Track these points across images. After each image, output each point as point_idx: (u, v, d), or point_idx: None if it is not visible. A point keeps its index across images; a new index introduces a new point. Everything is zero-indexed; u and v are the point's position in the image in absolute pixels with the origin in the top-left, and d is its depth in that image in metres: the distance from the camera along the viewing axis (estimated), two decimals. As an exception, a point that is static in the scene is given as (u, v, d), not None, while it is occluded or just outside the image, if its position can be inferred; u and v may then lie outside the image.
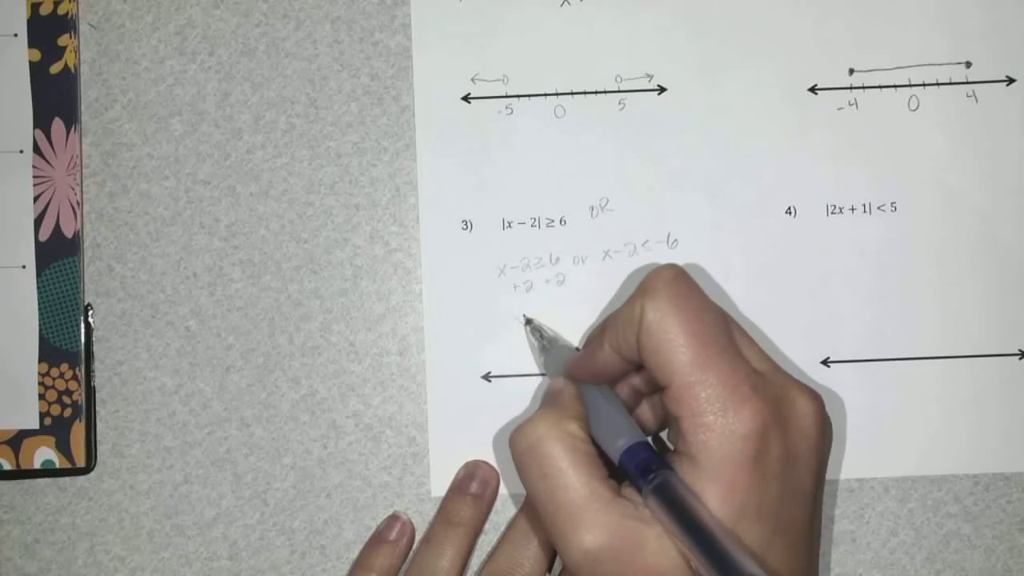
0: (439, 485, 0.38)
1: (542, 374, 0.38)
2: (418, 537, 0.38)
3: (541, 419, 0.31)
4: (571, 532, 0.29)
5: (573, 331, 0.38)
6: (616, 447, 0.31)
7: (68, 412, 0.38)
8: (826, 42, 0.39)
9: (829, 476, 0.38)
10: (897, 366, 0.38)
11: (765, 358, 0.31)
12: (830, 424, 0.32)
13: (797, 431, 0.29)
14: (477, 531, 0.38)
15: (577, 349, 0.37)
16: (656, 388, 0.33)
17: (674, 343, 0.29)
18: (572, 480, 0.29)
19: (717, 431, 0.28)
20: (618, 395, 0.34)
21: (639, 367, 0.32)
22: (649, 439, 0.31)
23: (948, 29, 0.39)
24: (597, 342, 0.32)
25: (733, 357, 0.29)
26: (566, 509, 0.29)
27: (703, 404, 0.28)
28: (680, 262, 0.38)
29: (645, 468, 0.29)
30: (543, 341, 0.37)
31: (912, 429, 0.38)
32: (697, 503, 0.28)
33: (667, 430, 0.32)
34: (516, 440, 0.31)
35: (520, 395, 0.38)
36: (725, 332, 0.30)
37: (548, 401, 0.33)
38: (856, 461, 0.38)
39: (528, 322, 0.38)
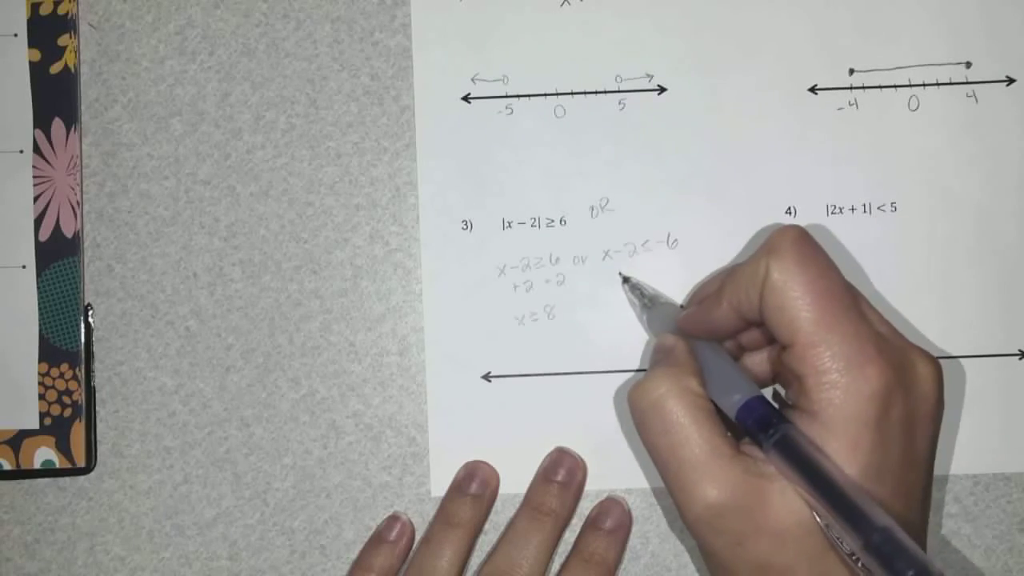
0: (439, 485, 0.38)
1: (544, 374, 0.38)
2: (418, 537, 0.38)
3: (661, 376, 0.31)
4: (694, 487, 0.29)
5: (573, 331, 0.39)
6: (732, 402, 0.31)
7: (68, 412, 0.38)
8: (826, 42, 0.39)
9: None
10: (897, 366, 0.38)
11: (885, 321, 0.31)
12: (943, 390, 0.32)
13: (918, 394, 0.30)
14: (476, 531, 0.38)
15: (681, 307, 0.37)
16: (766, 342, 0.33)
17: (800, 302, 0.29)
18: (695, 436, 0.30)
19: (842, 389, 0.28)
20: (727, 351, 0.34)
21: (754, 324, 0.32)
22: (762, 394, 0.31)
23: (948, 29, 0.39)
24: (714, 299, 0.32)
25: (857, 317, 0.29)
26: (689, 465, 0.29)
27: (828, 362, 0.29)
28: (680, 262, 0.38)
29: (765, 422, 0.29)
30: (644, 299, 0.37)
31: (912, 429, 0.38)
32: (820, 455, 0.28)
33: (785, 389, 0.32)
34: (637, 398, 0.31)
35: (520, 395, 0.38)
36: (849, 293, 0.30)
37: (661, 358, 0.33)
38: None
39: (626, 280, 0.38)
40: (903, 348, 0.30)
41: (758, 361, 0.34)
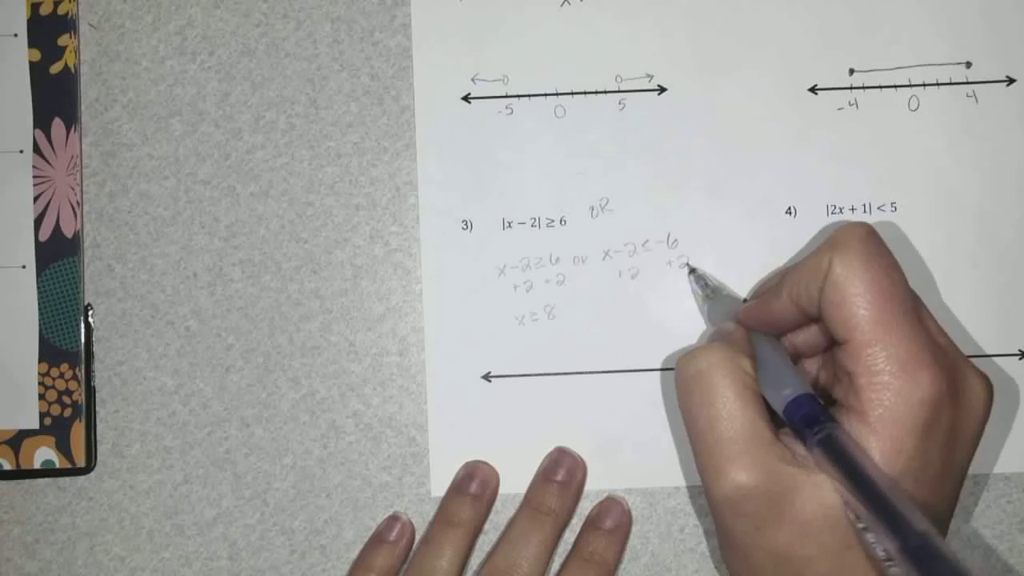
0: (439, 485, 0.38)
1: (544, 374, 0.38)
2: (418, 537, 0.38)
3: (715, 349, 0.31)
4: (727, 464, 0.29)
5: (573, 331, 0.39)
6: (782, 396, 0.31)
7: (68, 412, 0.38)
8: (826, 42, 0.39)
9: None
10: (897, 366, 0.38)
11: (943, 332, 0.31)
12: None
13: (967, 409, 0.30)
14: (476, 531, 0.38)
15: (745, 300, 0.37)
16: (822, 347, 0.33)
17: (860, 299, 0.29)
18: (737, 413, 0.29)
19: (893, 391, 0.28)
20: (784, 347, 0.34)
21: (812, 321, 0.32)
22: (813, 392, 0.31)
23: (948, 29, 0.39)
24: (775, 291, 0.32)
25: (915, 322, 0.29)
26: (727, 441, 0.29)
27: (882, 363, 0.28)
28: (680, 262, 0.38)
29: (811, 419, 0.29)
30: (707, 290, 0.37)
31: (912, 429, 0.38)
32: (865, 457, 0.28)
33: (833, 386, 0.32)
34: (685, 365, 0.31)
35: (520, 395, 0.38)
36: (910, 296, 0.30)
37: (719, 337, 0.33)
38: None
39: (692, 271, 0.38)
40: (958, 361, 0.30)
41: (812, 366, 0.34)
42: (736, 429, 0.29)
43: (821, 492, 0.28)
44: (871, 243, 0.30)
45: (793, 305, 0.32)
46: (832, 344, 0.32)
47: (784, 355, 0.33)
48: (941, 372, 0.29)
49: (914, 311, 0.30)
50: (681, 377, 0.31)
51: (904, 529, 0.26)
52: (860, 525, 0.28)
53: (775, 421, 0.31)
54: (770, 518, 0.29)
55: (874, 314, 0.29)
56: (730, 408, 0.30)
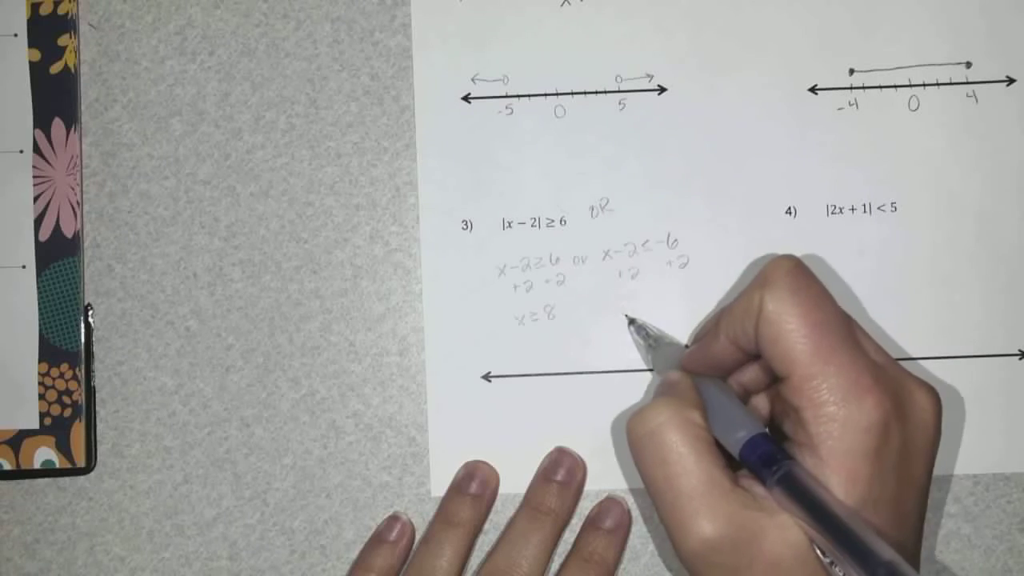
0: (439, 485, 0.38)
1: (544, 374, 0.38)
2: (418, 537, 0.38)
3: (663, 406, 0.31)
4: (690, 520, 0.29)
5: (573, 331, 0.39)
6: (736, 439, 0.31)
7: (68, 412, 0.38)
8: (826, 42, 0.39)
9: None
10: (897, 366, 0.38)
11: (881, 351, 0.31)
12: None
13: (916, 424, 0.30)
14: (476, 531, 0.38)
15: (686, 346, 0.37)
16: (767, 382, 0.33)
17: (795, 334, 0.29)
18: (693, 467, 0.29)
19: (839, 422, 0.28)
20: (731, 388, 0.34)
21: (754, 358, 0.32)
22: (766, 431, 0.31)
23: (948, 29, 0.39)
24: (712, 333, 0.32)
25: (853, 347, 0.29)
26: (687, 497, 0.29)
27: (825, 395, 0.28)
28: (681, 262, 0.38)
29: (768, 459, 0.29)
30: (649, 340, 0.37)
31: (912, 429, 0.38)
32: (825, 492, 0.28)
33: (782, 422, 0.32)
34: (635, 425, 0.31)
35: (520, 395, 0.38)
36: (844, 323, 0.30)
37: (664, 391, 0.33)
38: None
39: (631, 322, 0.38)
40: (901, 378, 0.30)
41: (762, 403, 0.34)
42: (694, 483, 0.29)
43: (786, 532, 0.28)
44: (799, 276, 0.30)
45: (732, 345, 0.32)
46: (776, 380, 0.32)
47: (733, 397, 0.33)
48: (884, 394, 0.29)
49: (850, 336, 0.30)
50: (633, 438, 0.31)
51: (871, 560, 0.26)
52: (827, 560, 0.28)
53: (732, 464, 0.31)
54: (741, 566, 0.29)
55: (811, 346, 0.29)
56: (685, 463, 0.30)
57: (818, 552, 0.28)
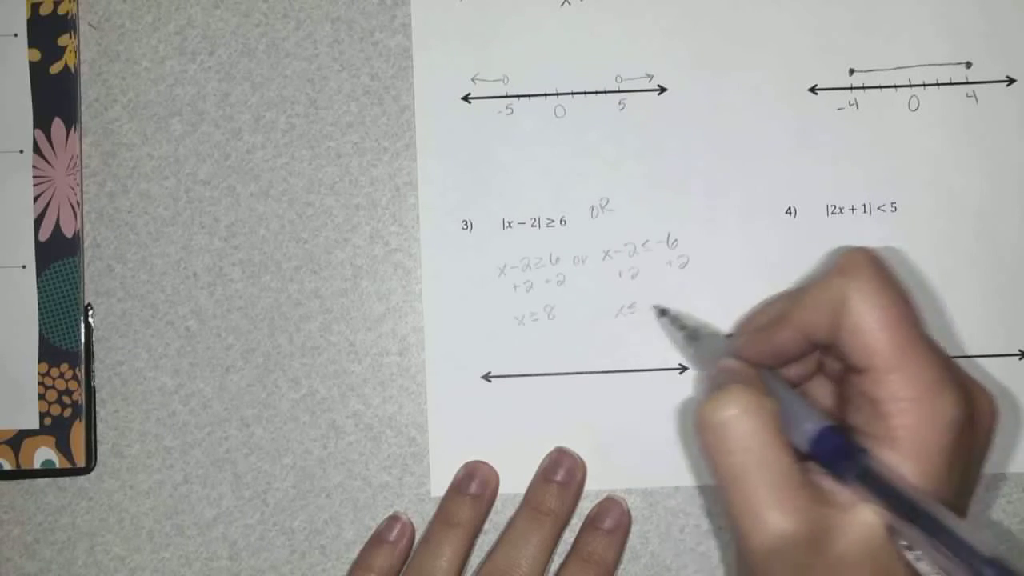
0: (439, 485, 0.38)
1: (544, 374, 0.38)
2: (418, 537, 0.38)
3: (739, 393, 0.29)
4: (767, 512, 0.28)
5: (573, 331, 0.39)
6: (803, 431, 0.30)
7: (68, 412, 0.38)
8: (826, 42, 0.39)
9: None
10: (897, 366, 0.38)
11: (946, 352, 0.31)
12: None
13: (980, 427, 0.29)
14: (476, 531, 0.38)
15: (728, 335, 0.36)
16: (811, 375, 0.33)
17: (878, 325, 0.29)
18: (772, 458, 0.28)
19: (920, 416, 0.28)
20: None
21: (815, 350, 0.32)
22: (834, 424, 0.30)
23: (948, 29, 0.39)
24: (781, 323, 0.31)
25: (931, 343, 0.29)
26: (766, 488, 0.28)
27: (908, 388, 0.28)
28: (681, 262, 0.38)
29: (844, 452, 0.29)
30: (687, 331, 0.36)
31: (912, 429, 0.38)
32: (911, 485, 0.28)
33: (852, 414, 0.31)
34: (709, 413, 0.30)
35: (520, 395, 0.38)
36: (921, 319, 0.30)
37: (729, 378, 0.32)
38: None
39: (663, 313, 0.37)
40: (969, 381, 0.30)
41: (817, 394, 0.34)
42: (772, 475, 0.28)
43: (860, 528, 0.28)
44: (881, 268, 0.30)
45: (800, 335, 0.31)
46: (817, 371, 0.31)
47: (791, 389, 0.32)
48: (962, 394, 0.28)
49: (927, 333, 0.29)
50: (706, 425, 0.30)
51: (974, 558, 0.26)
52: (912, 554, 0.27)
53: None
54: (813, 562, 0.28)
55: (895, 340, 0.29)
56: (763, 453, 0.29)
57: (901, 547, 0.27)
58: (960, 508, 0.29)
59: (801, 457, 0.30)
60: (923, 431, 0.28)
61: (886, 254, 0.31)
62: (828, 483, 0.29)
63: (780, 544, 0.28)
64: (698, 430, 0.30)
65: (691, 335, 0.36)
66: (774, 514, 0.28)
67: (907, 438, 0.28)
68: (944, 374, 0.29)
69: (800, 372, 0.33)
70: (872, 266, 0.30)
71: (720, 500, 0.30)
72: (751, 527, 0.28)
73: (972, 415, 0.29)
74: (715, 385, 0.32)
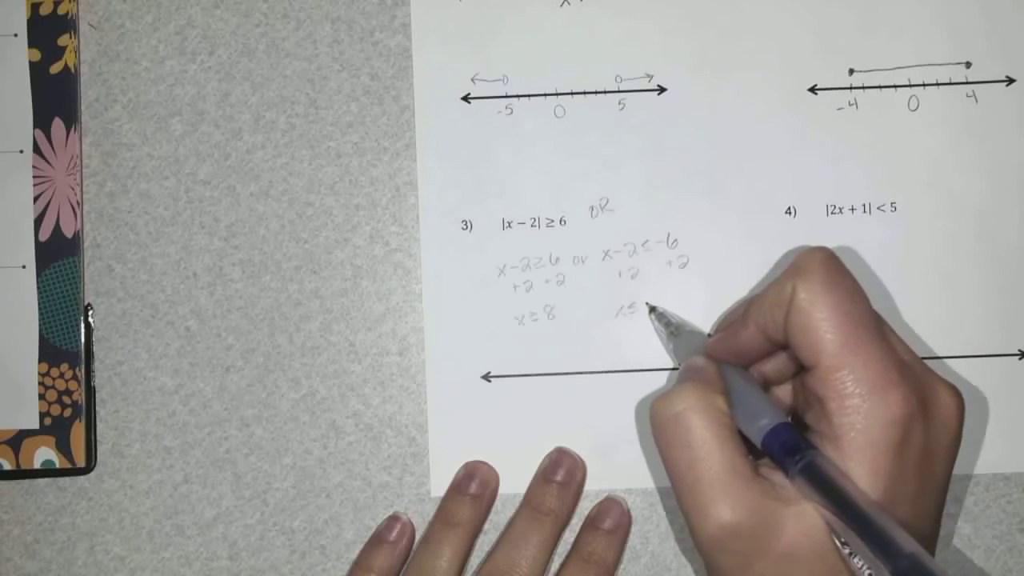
0: (439, 485, 0.38)
1: (544, 374, 0.38)
2: (418, 537, 0.38)
3: (689, 390, 0.31)
4: (710, 505, 0.29)
5: (573, 331, 0.39)
6: (758, 427, 0.30)
7: (68, 412, 0.38)
8: (826, 42, 0.39)
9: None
10: (897, 366, 0.38)
11: (909, 350, 0.31)
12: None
13: (939, 423, 0.30)
14: (476, 531, 0.38)
15: (708, 335, 0.37)
16: (790, 374, 0.33)
17: (825, 323, 0.29)
18: (716, 453, 0.29)
19: (864, 414, 0.28)
20: (754, 378, 0.34)
21: (779, 349, 0.32)
22: (789, 420, 0.31)
23: (948, 29, 0.39)
24: (741, 321, 0.32)
25: (881, 342, 0.29)
26: (707, 482, 0.29)
27: (851, 386, 0.29)
28: (681, 262, 0.38)
29: (791, 448, 0.29)
30: (671, 327, 0.37)
31: (912, 429, 0.38)
32: (848, 482, 0.28)
33: (805, 412, 0.32)
34: (660, 408, 0.31)
35: (520, 395, 0.38)
36: (874, 318, 0.30)
37: (689, 376, 0.33)
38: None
39: (652, 310, 0.38)
40: (926, 376, 0.30)
41: (783, 394, 0.34)
42: (716, 469, 0.29)
43: (805, 522, 0.28)
44: (832, 267, 0.30)
45: (760, 334, 0.32)
46: (800, 370, 0.32)
47: (755, 386, 0.32)
48: (910, 390, 0.29)
49: (879, 331, 0.30)
50: (657, 421, 0.31)
51: (893, 551, 0.26)
52: (847, 551, 0.28)
53: (753, 453, 0.31)
54: (757, 553, 0.29)
55: (840, 338, 0.29)
56: (708, 448, 0.30)
57: (837, 543, 0.28)
58: (920, 505, 0.29)
59: (758, 453, 0.31)
60: (867, 429, 0.28)
61: (841, 253, 0.32)
62: (779, 478, 0.30)
63: (724, 534, 0.29)
64: (651, 424, 0.31)
65: (673, 331, 0.37)
66: (718, 506, 0.29)
67: (851, 436, 0.28)
68: (890, 372, 0.29)
69: (778, 369, 0.34)
70: (823, 265, 0.30)
71: (673, 493, 0.30)
72: (697, 518, 0.29)
73: (927, 411, 0.29)
74: (678, 380, 0.33)
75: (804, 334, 0.30)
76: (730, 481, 0.29)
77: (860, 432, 0.28)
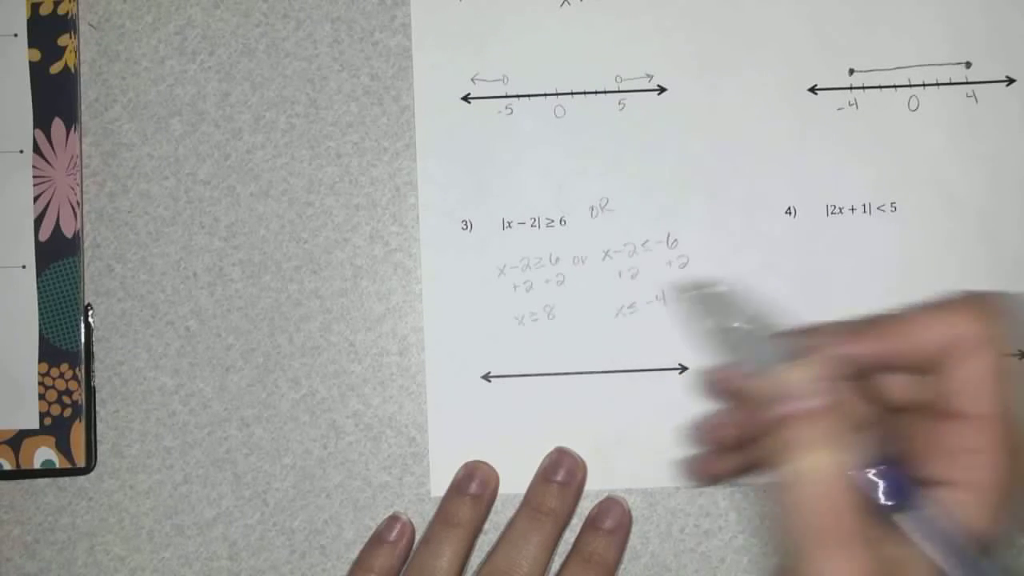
0: (439, 485, 0.38)
1: (544, 374, 0.38)
2: (418, 537, 0.38)
3: (825, 459, 0.28)
4: (836, 569, 0.28)
5: (573, 331, 0.39)
6: (864, 473, 0.29)
7: (68, 412, 0.38)
8: (826, 42, 0.39)
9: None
10: (897, 366, 0.38)
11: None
12: None
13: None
14: (476, 531, 0.38)
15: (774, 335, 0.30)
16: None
17: (994, 377, 0.29)
18: (846, 515, 0.28)
19: (990, 470, 0.28)
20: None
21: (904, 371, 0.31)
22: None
23: (948, 29, 0.39)
24: (896, 327, 0.30)
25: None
26: (835, 544, 0.28)
27: (990, 441, 0.28)
28: (681, 262, 0.38)
29: (901, 492, 0.29)
30: (744, 316, 0.29)
31: (912, 429, 0.38)
32: (961, 531, 0.28)
33: (919, 458, 0.30)
34: (809, 469, 0.28)
35: (520, 395, 0.38)
36: None
37: (811, 415, 0.28)
38: (856, 461, 0.38)
39: (695, 288, 0.30)
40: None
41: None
42: (843, 531, 0.28)
43: (922, 569, 0.28)
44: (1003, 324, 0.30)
45: (908, 349, 0.30)
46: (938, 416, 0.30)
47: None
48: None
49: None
50: (791, 488, 0.28)
51: None
52: None
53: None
54: None
55: (997, 395, 0.29)
56: (837, 510, 0.28)
57: None
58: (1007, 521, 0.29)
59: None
60: (990, 481, 0.28)
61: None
62: (893, 532, 0.29)
63: None
64: (789, 485, 0.28)
65: (749, 325, 0.29)
66: (841, 564, 0.27)
67: (974, 486, 0.28)
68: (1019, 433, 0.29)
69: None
70: (1000, 320, 0.29)
71: (795, 555, 0.28)
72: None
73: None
74: (789, 414, 0.28)
75: (970, 384, 0.28)
76: (855, 542, 0.28)
77: (984, 483, 0.28)
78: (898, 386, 0.31)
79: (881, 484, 0.29)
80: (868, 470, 0.29)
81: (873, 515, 0.29)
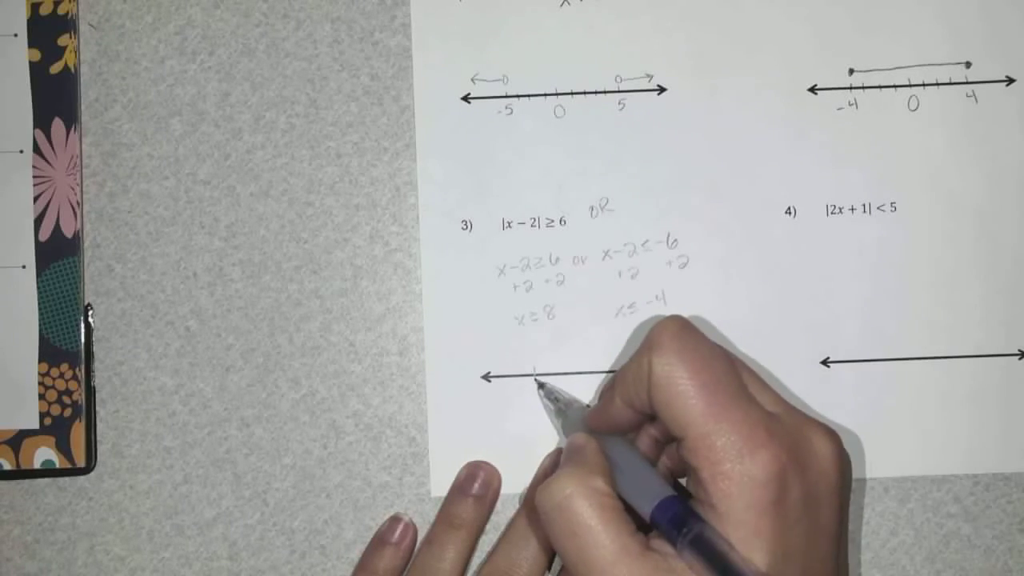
0: (439, 485, 0.38)
1: (544, 374, 0.38)
2: (419, 537, 0.38)
3: (567, 476, 0.31)
4: None
5: (573, 331, 0.39)
6: (645, 502, 0.30)
7: (68, 412, 0.38)
8: (826, 42, 0.39)
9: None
10: (896, 366, 0.38)
11: (778, 400, 0.31)
12: (849, 461, 0.32)
13: (816, 471, 0.29)
14: (478, 532, 0.38)
15: (588, 405, 0.37)
16: (672, 437, 0.33)
17: (685, 396, 0.29)
18: (602, 537, 0.29)
19: (735, 479, 0.28)
20: (638, 447, 0.34)
21: (653, 417, 0.32)
22: (675, 493, 0.31)
23: (948, 29, 0.39)
24: (608, 396, 0.32)
25: (746, 403, 0.29)
26: (598, 567, 0.29)
27: (719, 453, 0.28)
28: (681, 262, 0.38)
29: (678, 522, 0.29)
30: (558, 404, 0.37)
31: (911, 429, 0.38)
32: (734, 553, 0.28)
33: (687, 480, 0.32)
34: (543, 499, 0.31)
35: (520, 395, 0.38)
36: (735, 379, 0.30)
37: (571, 457, 0.33)
38: (856, 461, 0.38)
39: (541, 386, 0.38)
40: (797, 426, 0.30)
41: (669, 455, 0.34)
42: (603, 552, 0.29)
43: None
44: (685, 337, 0.30)
45: (629, 408, 0.32)
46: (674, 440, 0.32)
47: (640, 458, 0.32)
48: (780, 446, 0.29)
49: (741, 391, 0.30)
50: (541, 512, 0.31)
51: None
52: None
53: (644, 525, 0.30)
54: None
55: (702, 407, 0.29)
56: (594, 533, 0.29)
57: None
58: (819, 555, 0.29)
59: (650, 526, 0.30)
60: (741, 494, 0.28)
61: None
62: (672, 550, 0.29)
63: None
64: (539, 512, 0.31)
65: (561, 408, 0.37)
66: None
67: (727, 503, 0.28)
68: (757, 431, 0.29)
69: (664, 432, 0.33)
70: (676, 337, 0.30)
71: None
72: None
73: (801, 462, 0.29)
74: (561, 462, 0.33)
75: (667, 408, 0.30)
76: (619, 562, 0.29)
77: (736, 498, 0.28)
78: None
79: (661, 514, 0.30)
80: (650, 499, 0.30)
81: (661, 540, 0.30)
